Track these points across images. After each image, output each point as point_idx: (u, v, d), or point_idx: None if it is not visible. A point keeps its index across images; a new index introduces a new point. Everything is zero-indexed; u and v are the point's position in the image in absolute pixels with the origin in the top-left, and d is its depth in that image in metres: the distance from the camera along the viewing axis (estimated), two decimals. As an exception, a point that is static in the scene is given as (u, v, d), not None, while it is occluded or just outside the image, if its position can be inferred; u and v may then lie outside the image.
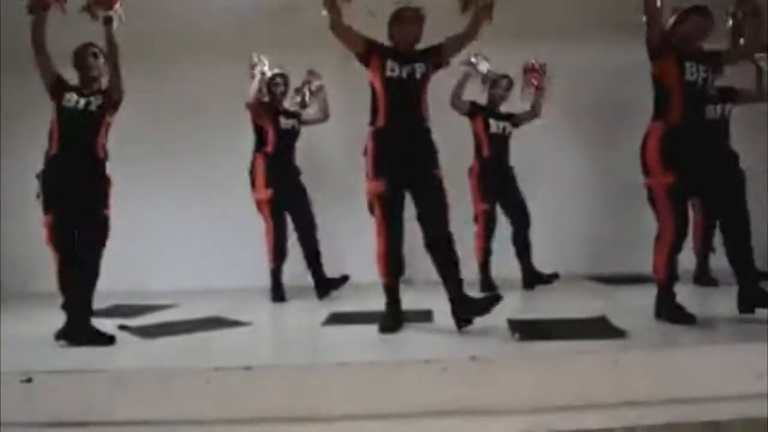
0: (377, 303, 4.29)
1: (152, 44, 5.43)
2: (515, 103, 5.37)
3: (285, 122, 5.10)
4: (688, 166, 3.46)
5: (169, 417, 2.78)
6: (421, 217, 3.61)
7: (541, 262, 5.30)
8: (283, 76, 5.11)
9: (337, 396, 2.79)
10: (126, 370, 3.03)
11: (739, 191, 3.64)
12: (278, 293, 5.01)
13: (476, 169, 5.14)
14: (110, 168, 3.74)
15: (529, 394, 2.81)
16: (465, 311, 3.52)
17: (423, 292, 4.94)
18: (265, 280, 5.07)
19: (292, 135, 5.14)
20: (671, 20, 3.65)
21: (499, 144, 5.17)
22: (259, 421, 2.74)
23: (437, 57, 3.69)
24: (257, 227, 5.06)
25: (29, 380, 2.81)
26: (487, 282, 5.14)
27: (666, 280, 3.60)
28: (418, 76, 3.61)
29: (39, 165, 3.66)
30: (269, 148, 5.02)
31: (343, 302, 4.65)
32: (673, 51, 3.54)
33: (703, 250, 4.99)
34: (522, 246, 5.17)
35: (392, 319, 3.62)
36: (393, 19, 3.68)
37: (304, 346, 3.47)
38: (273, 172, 4.97)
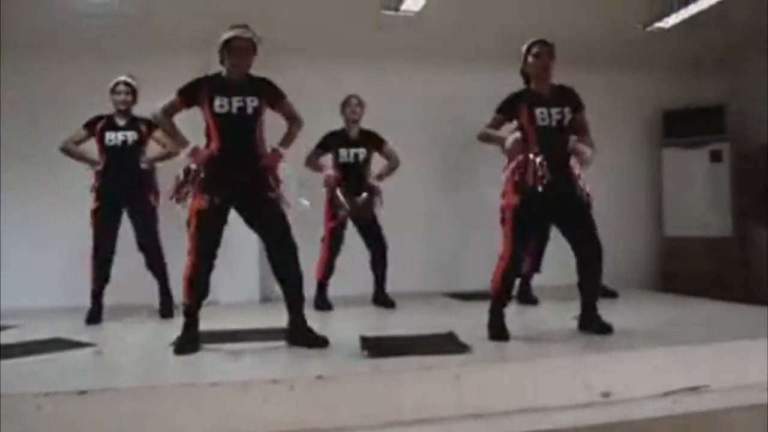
0: (236, 322, 4.25)
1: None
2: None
3: (111, 138, 4.76)
4: (534, 192, 3.65)
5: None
6: (263, 241, 3.64)
7: (407, 279, 5.42)
8: (126, 84, 4.82)
9: (181, 419, 2.70)
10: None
11: (587, 214, 3.82)
12: (92, 315, 4.65)
13: (327, 192, 5.10)
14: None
15: (375, 411, 2.85)
16: (293, 337, 3.60)
17: (281, 310, 4.92)
18: (123, 298, 4.86)
19: (125, 150, 4.77)
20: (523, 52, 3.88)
21: (352, 170, 5.10)
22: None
23: (273, 100, 3.68)
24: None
25: None
26: (322, 301, 5.15)
27: (498, 296, 3.79)
28: (249, 111, 3.56)
29: None
30: (100, 166, 4.77)
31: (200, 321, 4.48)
32: (523, 104, 3.78)
33: (530, 271, 5.18)
34: (379, 270, 5.21)
35: (188, 342, 3.52)
36: (223, 47, 3.58)
37: (149, 368, 3.34)
38: (102, 187, 4.72)
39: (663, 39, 5.95)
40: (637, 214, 6.88)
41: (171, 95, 3.62)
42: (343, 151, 5.13)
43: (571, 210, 3.77)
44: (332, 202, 5.04)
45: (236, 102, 3.53)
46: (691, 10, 5.48)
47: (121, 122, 4.81)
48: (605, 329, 3.71)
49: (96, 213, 4.69)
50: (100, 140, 4.77)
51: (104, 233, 4.69)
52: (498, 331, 3.70)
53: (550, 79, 3.85)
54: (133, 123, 4.84)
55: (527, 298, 5.17)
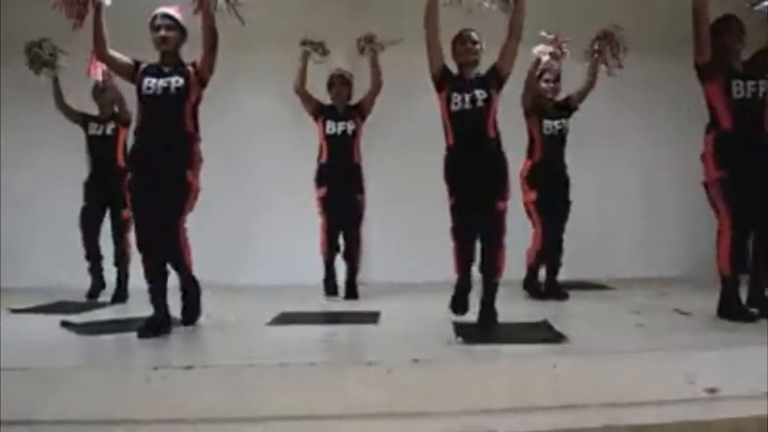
0: (328, 304, 4.32)
1: None
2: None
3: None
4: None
5: (108, 416, 2.73)
6: None
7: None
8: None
9: (278, 397, 2.77)
10: (64, 368, 2.98)
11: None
12: None
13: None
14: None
15: (470, 396, 2.83)
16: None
17: (375, 293, 4.98)
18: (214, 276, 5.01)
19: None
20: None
21: (340, 144, 5.03)
22: (198, 422, 2.72)
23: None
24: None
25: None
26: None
27: None
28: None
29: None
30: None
31: (291, 302, 4.61)
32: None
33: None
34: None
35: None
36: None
37: (247, 346, 3.43)
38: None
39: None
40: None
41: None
42: (331, 123, 5.05)
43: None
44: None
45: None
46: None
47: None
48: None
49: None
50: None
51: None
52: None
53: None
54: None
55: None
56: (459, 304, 3.89)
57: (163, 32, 3.63)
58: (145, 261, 3.57)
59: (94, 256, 5.09)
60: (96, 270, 5.13)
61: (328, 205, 5.01)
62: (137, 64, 3.68)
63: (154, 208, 3.55)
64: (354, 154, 5.08)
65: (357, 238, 5.12)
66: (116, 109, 5.00)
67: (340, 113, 5.09)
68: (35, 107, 5.44)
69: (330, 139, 5.03)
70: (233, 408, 2.74)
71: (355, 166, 5.09)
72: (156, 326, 3.50)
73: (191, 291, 3.83)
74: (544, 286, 4.93)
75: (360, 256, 5.17)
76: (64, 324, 3.85)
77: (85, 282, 5.13)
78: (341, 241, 5.11)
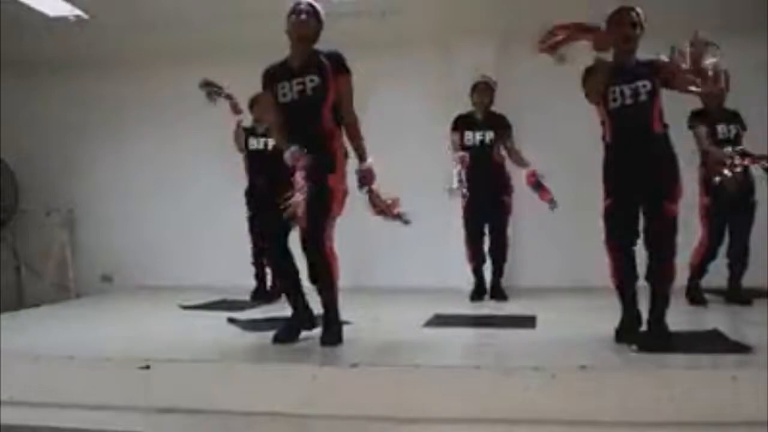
0: (480, 307, 4.29)
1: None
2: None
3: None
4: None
5: (274, 410, 2.84)
6: None
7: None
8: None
9: (442, 399, 2.77)
10: (231, 361, 3.15)
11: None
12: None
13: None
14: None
15: (639, 407, 2.70)
16: None
17: (526, 297, 4.90)
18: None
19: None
20: None
21: (480, 153, 4.89)
22: (362, 419, 2.77)
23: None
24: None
25: (147, 367, 2.95)
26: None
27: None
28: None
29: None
30: None
31: (446, 304, 4.62)
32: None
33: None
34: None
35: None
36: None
37: (407, 347, 3.46)
38: None
39: None
40: None
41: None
42: (469, 134, 4.98)
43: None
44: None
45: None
46: None
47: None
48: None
49: None
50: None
51: None
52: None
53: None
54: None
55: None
56: (628, 333, 3.28)
57: (303, 16, 3.39)
58: (276, 276, 3.49)
59: (257, 262, 5.26)
60: (260, 276, 5.27)
61: (469, 216, 5.02)
62: (266, 76, 3.50)
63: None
64: (494, 160, 5.03)
65: (503, 241, 5.09)
66: None
67: (479, 122, 5.05)
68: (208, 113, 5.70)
69: (469, 150, 4.95)
70: (397, 407, 2.77)
71: (497, 166, 5.05)
72: (296, 328, 3.51)
73: (333, 312, 3.49)
74: (727, 291, 4.68)
75: (506, 257, 5.12)
76: (231, 320, 4.05)
77: (241, 281, 5.38)
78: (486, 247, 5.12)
